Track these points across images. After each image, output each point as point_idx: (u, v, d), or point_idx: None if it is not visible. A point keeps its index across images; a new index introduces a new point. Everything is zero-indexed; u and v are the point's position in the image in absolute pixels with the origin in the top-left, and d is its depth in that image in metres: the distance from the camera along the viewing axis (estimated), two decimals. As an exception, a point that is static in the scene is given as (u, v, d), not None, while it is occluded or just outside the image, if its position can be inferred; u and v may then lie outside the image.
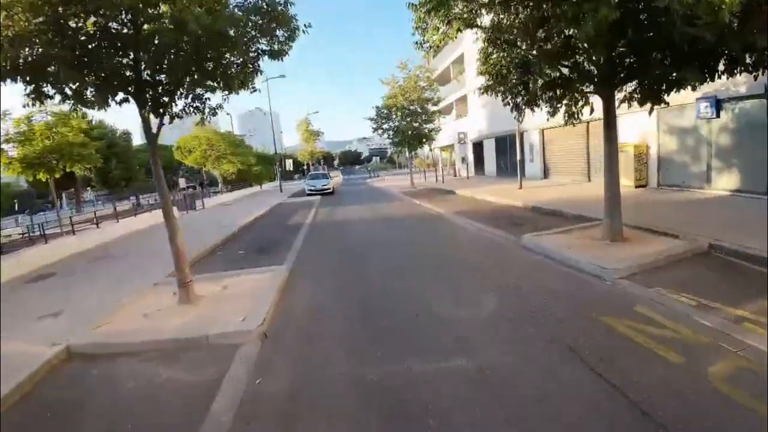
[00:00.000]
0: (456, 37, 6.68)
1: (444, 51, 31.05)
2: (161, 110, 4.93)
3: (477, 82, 25.13)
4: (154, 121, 5.05)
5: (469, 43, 28.38)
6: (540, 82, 5.95)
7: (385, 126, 23.66)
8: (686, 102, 10.80)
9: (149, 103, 4.87)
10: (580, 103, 6.29)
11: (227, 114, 42.01)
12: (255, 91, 5.67)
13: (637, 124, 12.92)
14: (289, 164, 53.42)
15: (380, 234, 10.00)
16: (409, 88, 21.80)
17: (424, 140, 23.51)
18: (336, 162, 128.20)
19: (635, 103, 6.18)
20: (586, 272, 5.51)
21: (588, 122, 16.65)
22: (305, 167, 55.91)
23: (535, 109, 6.73)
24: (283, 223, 13.37)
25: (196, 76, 4.76)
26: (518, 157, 16.04)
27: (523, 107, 6.39)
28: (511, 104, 6.34)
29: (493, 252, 7.12)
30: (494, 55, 6.00)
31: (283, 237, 10.54)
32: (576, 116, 6.45)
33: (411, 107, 22.47)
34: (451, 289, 5.30)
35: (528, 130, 20.44)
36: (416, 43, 6.74)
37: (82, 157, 14.51)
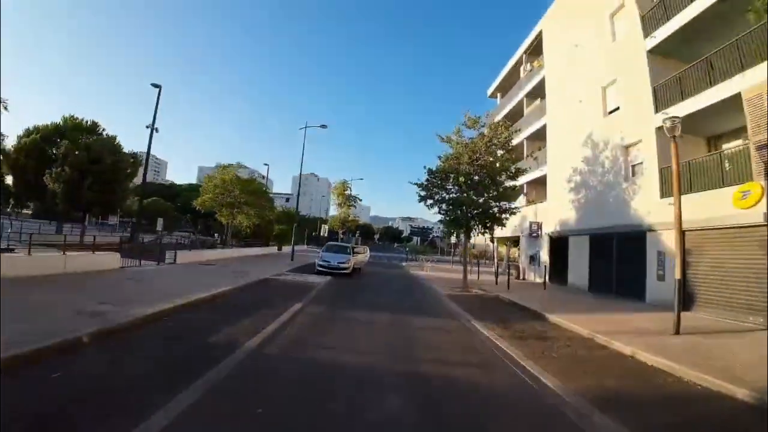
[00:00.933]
0: None
1: (518, 123, 25.70)
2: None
3: (564, 159, 17.88)
4: None
5: (553, 115, 22.95)
6: None
7: (437, 197, 17.41)
8: None
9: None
10: None
11: (264, 164, 38.92)
12: None
13: None
14: (324, 229, 49.10)
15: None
16: (479, 149, 15.73)
17: (488, 223, 16.78)
18: (377, 236, 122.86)
19: None
20: None
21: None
22: (339, 236, 50.65)
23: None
24: (204, 336, 6.43)
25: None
26: (677, 275, 8.67)
27: None
28: None
29: None
30: None
31: (127, 407, 3.77)
32: None
33: (476, 177, 16.27)
34: None
35: (656, 229, 13.13)
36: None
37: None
